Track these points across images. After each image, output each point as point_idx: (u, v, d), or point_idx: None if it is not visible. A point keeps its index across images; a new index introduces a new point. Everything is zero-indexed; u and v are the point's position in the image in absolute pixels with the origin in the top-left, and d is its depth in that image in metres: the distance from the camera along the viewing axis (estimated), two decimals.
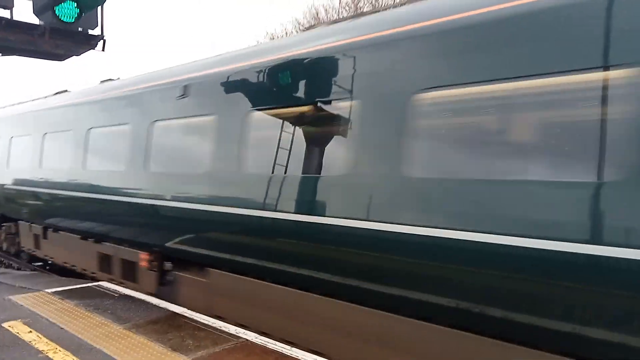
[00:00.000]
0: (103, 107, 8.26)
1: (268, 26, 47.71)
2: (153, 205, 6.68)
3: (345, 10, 22.54)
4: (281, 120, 5.30)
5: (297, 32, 22.70)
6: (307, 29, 7.10)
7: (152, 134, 6.90)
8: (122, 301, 6.16)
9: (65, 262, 9.27)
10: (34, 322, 5.22)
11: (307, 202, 4.88)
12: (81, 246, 8.48)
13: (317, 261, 4.81)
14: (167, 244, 6.53)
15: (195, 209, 6.03)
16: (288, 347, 4.57)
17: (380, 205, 4.33)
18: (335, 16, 22.16)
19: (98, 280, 7.52)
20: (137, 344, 4.63)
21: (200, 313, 5.79)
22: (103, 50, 6.60)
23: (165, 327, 5.11)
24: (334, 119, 4.92)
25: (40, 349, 4.43)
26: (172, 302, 6.19)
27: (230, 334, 4.90)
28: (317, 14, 24.04)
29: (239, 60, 5.96)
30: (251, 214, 5.28)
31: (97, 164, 8.15)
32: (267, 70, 5.45)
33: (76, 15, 5.80)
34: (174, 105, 6.57)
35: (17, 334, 4.82)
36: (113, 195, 7.44)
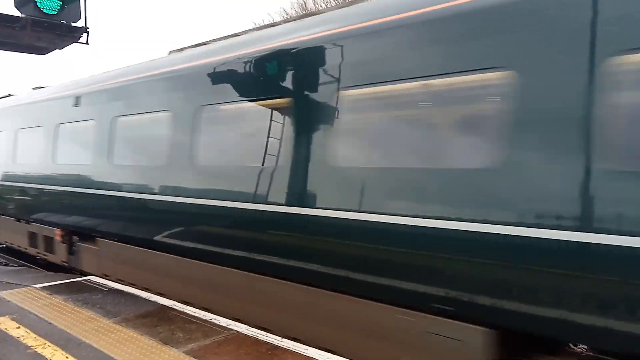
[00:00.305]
0: (26, 112, 9.95)
1: (255, 18, 47.20)
2: (57, 190, 8.47)
3: (334, 0, 22.29)
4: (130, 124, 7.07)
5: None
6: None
7: (58, 134, 8.56)
8: (111, 295, 6.15)
9: (5, 241, 11.01)
10: (22, 317, 5.19)
11: (135, 184, 6.75)
12: (16, 227, 10.16)
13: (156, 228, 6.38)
14: (71, 222, 8.23)
15: (80, 192, 7.79)
16: (279, 338, 4.60)
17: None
18: (323, 6, 21.96)
19: (87, 275, 7.49)
20: (127, 337, 4.63)
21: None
22: (87, 43, 6.51)
23: (155, 321, 5.11)
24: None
25: (29, 345, 4.42)
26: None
27: (221, 326, 4.92)
28: (305, 4, 23.81)
29: (106, 79, 7.67)
30: (116, 195, 6.99)
31: (22, 158, 9.82)
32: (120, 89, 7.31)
33: (58, 7, 5.73)
34: (72, 111, 8.20)
35: (6, 330, 4.79)
36: (34, 183, 9.29)
